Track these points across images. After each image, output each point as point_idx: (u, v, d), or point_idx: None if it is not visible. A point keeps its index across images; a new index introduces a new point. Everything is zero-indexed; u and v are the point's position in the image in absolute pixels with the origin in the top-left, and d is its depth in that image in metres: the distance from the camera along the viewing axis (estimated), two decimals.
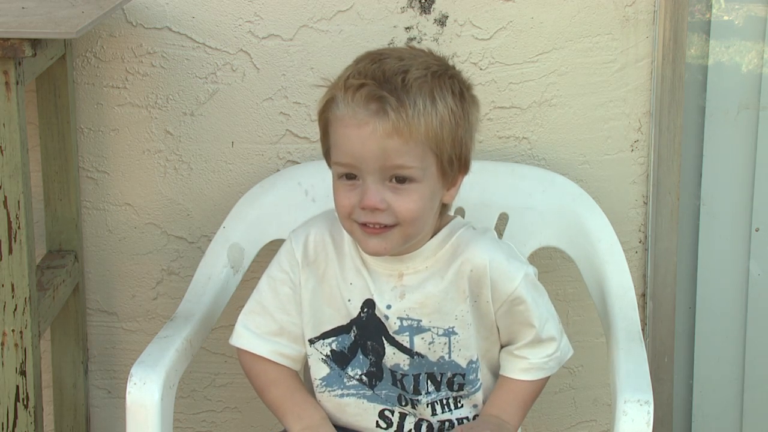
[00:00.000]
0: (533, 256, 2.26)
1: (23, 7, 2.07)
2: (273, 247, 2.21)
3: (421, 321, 1.94)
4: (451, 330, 1.95)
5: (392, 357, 1.96)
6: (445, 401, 1.98)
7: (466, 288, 1.94)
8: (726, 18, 2.43)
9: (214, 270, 2.19)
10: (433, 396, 1.98)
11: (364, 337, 1.97)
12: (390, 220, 1.85)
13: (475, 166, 2.26)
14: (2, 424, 2.04)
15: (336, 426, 1.99)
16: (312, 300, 1.98)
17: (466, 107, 1.90)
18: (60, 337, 2.37)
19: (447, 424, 1.99)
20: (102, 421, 2.50)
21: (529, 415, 2.47)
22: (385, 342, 1.96)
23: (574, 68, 2.33)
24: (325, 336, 1.98)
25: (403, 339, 1.95)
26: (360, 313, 1.96)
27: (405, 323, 1.94)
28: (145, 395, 1.89)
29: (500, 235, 2.24)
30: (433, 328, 1.95)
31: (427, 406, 1.98)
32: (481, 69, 2.31)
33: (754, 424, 2.60)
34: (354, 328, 1.97)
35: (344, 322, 1.97)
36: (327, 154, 1.92)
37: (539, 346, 1.99)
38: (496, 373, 2.03)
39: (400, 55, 1.89)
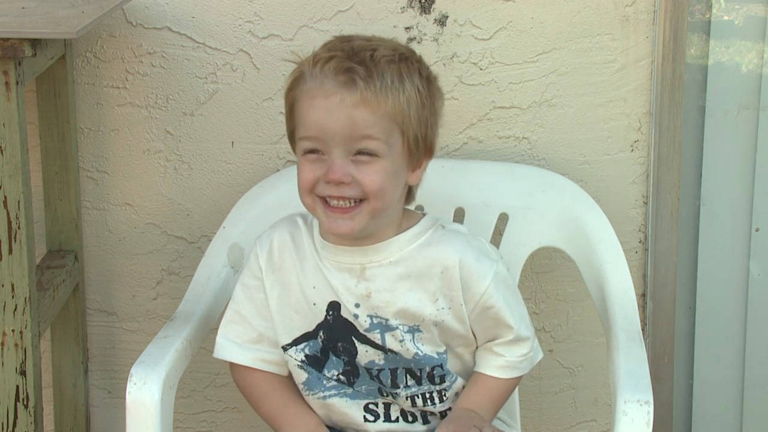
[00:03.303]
0: (533, 256, 2.26)
1: (23, 7, 2.07)
2: None
3: (388, 320, 1.93)
4: (415, 328, 1.93)
5: (365, 355, 1.95)
6: (428, 395, 1.98)
7: (436, 290, 1.92)
8: (726, 18, 2.43)
9: (214, 270, 2.19)
10: (414, 390, 1.97)
11: (333, 339, 1.95)
12: (356, 193, 1.84)
13: (475, 166, 2.26)
14: (2, 424, 2.04)
15: (330, 427, 1.99)
16: (279, 307, 1.97)
17: (432, 91, 1.90)
18: (60, 337, 2.37)
19: (428, 414, 1.99)
20: (102, 421, 2.50)
21: (529, 415, 2.48)
22: (355, 341, 1.95)
23: (574, 68, 2.33)
24: (296, 342, 1.97)
25: (375, 336, 1.94)
26: (326, 316, 1.95)
27: (375, 320, 1.93)
28: (145, 395, 1.89)
29: (500, 235, 2.24)
30: (401, 326, 1.93)
31: (407, 399, 1.97)
32: (481, 69, 2.31)
33: (754, 425, 2.60)
34: (321, 333, 1.96)
35: (311, 327, 1.96)
36: (291, 135, 1.91)
37: (516, 345, 1.98)
38: (463, 362, 2.01)
39: (368, 38, 1.91)
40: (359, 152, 1.83)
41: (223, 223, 2.23)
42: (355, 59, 1.83)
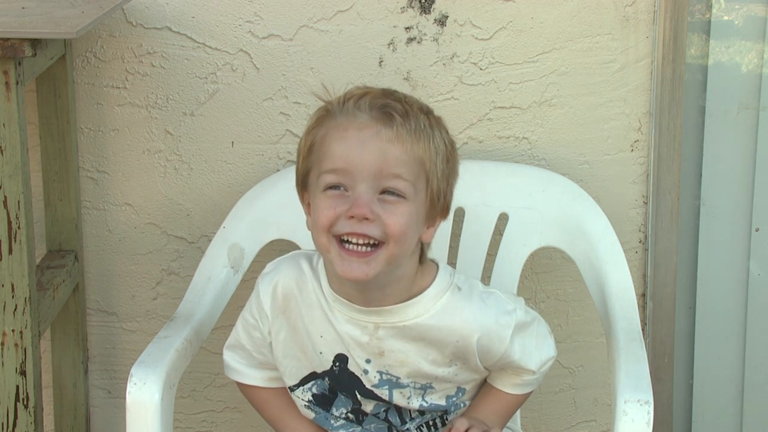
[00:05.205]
0: (533, 256, 2.26)
1: (23, 7, 2.07)
2: (273, 247, 2.21)
3: (399, 378, 1.90)
4: (428, 385, 1.92)
5: (369, 405, 1.93)
6: (431, 422, 1.97)
7: (450, 353, 1.88)
8: (726, 18, 2.43)
9: (214, 270, 2.19)
10: (418, 421, 1.96)
11: (338, 388, 1.93)
12: (378, 233, 1.76)
13: (475, 166, 2.26)
14: (2, 424, 2.04)
15: None
16: (285, 350, 1.93)
17: (454, 153, 1.86)
18: (60, 337, 2.37)
19: None
20: (102, 421, 2.50)
21: (529, 415, 2.48)
22: (359, 395, 1.92)
23: (574, 68, 2.33)
24: (303, 382, 1.95)
25: (382, 393, 1.91)
26: (333, 366, 1.91)
27: (384, 377, 1.90)
28: (145, 395, 1.89)
29: (500, 235, 2.24)
30: (412, 384, 1.91)
31: (418, 430, 1.96)
32: (481, 69, 2.31)
33: (754, 424, 2.60)
34: (327, 378, 1.93)
35: (318, 371, 1.93)
36: (305, 177, 1.84)
37: (537, 372, 1.97)
38: (478, 385, 2.00)
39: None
40: (385, 191, 1.77)
41: (223, 223, 2.23)
42: (390, 97, 1.80)
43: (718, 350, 2.57)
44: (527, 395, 2.00)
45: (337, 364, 1.91)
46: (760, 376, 2.57)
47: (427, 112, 1.83)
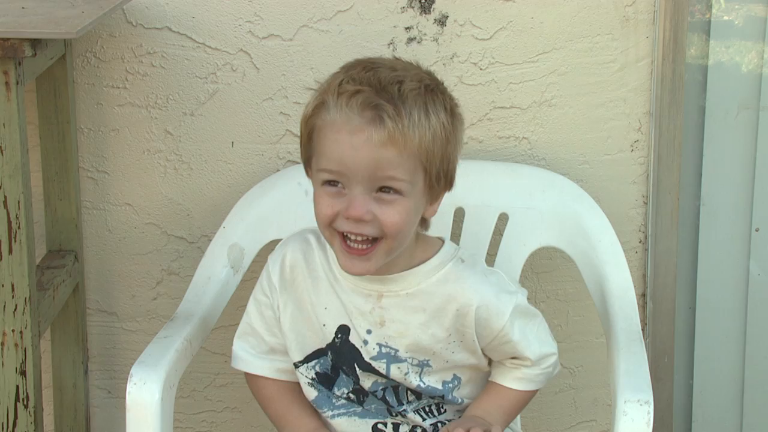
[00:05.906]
0: (533, 256, 2.26)
1: (23, 7, 2.07)
2: (273, 247, 2.20)
3: (398, 351, 1.92)
4: (425, 362, 1.93)
5: (367, 381, 1.95)
6: (428, 408, 1.98)
7: (450, 326, 1.90)
8: (726, 18, 2.43)
9: (214, 270, 2.19)
10: (415, 405, 1.97)
11: (339, 362, 1.95)
12: (374, 231, 1.80)
13: (475, 166, 2.26)
14: (2, 424, 2.04)
15: None
16: (292, 324, 1.96)
17: (455, 124, 1.85)
18: (60, 337, 2.37)
19: (439, 424, 1.99)
20: (102, 421, 2.50)
21: (529, 415, 2.48)
22: (357, 369, 1.93)
23: (574, 68, 2.33)
24: (308, 359, 1.97)
25: (380, 366, 1.93)
26: (335, 338, 1.94)
27: (383, 350, 1.92)
28: (145, 395, 1.89)
29: (500, 235, 2.24)
30: (410, 359, 1.92)
31: (415, 413, 1.97)
32: (481, 69, 2.31)
33: (754, 424, 2.60)
34: (329, 353, 1.95)
35: (322, 345, 1.95)
36: (308, 162, 1.87)
37: (535, 365, 1.98)
38: (478, 388, 2.00)
39: (392, 65, 1.84)
40: (382, 188, 1.79)
41: (223, 223, 2.23)
42: (383, 95, 1.77)
43: (718, 350, 2.57)
44: (530, 395, 2.00)
45: (339, 335, 1.93)
46: (760, 376, 2.57)
47: (426, 90, 1.81)
